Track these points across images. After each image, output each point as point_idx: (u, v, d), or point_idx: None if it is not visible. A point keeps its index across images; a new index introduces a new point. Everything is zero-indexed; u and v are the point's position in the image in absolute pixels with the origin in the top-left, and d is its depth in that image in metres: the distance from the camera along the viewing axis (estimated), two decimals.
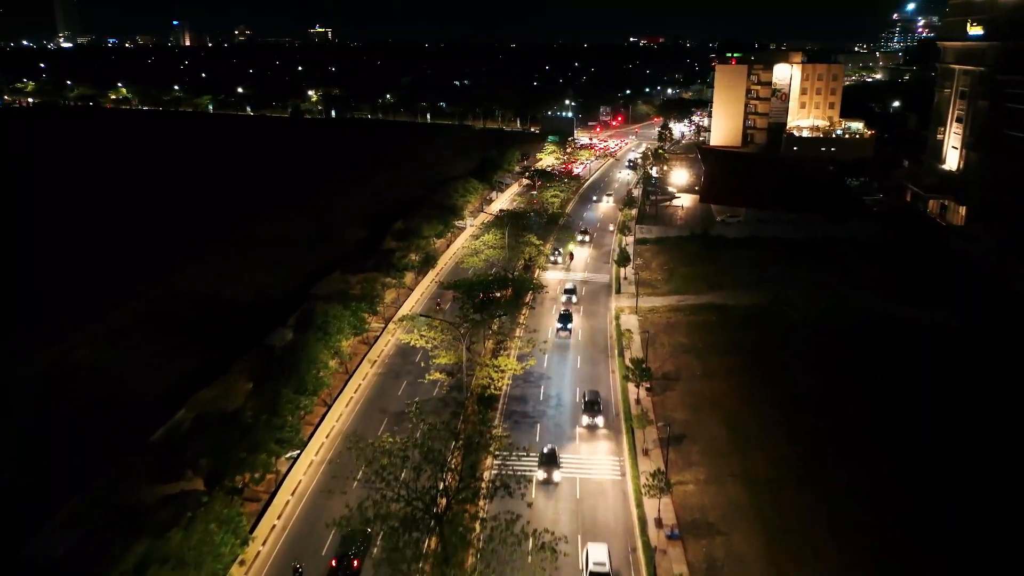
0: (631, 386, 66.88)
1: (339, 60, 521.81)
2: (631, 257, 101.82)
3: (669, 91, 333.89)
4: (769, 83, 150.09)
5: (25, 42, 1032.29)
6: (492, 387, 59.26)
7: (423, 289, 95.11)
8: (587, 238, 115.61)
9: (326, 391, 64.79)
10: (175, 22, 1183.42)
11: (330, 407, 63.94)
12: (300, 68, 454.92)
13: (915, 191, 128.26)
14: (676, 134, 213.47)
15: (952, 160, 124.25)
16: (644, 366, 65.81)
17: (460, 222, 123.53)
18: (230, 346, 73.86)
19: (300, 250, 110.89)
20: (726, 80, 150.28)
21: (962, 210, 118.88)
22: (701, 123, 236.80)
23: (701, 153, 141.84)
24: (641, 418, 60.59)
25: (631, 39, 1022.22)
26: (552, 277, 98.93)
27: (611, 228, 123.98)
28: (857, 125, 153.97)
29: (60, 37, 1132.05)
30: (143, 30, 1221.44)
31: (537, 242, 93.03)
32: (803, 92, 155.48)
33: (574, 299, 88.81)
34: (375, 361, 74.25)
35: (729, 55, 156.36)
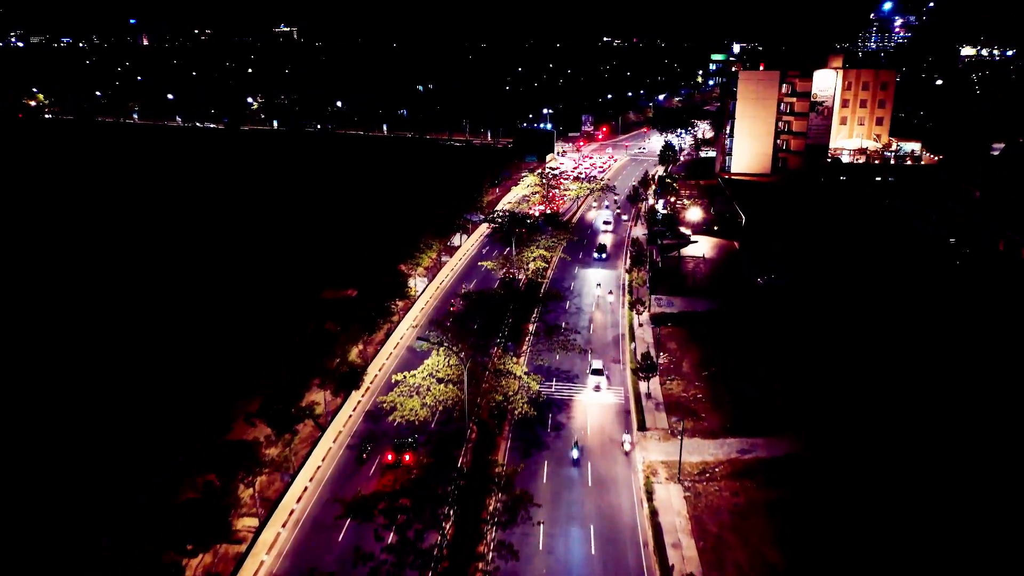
0: None
1: (296, 61, 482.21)
2: (656, 362, 68.42)
3: (661, 96, 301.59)
4: (808, 94, 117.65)
5: None
6: None
7: (334, 435, 60.52)
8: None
9: None
10: (132, 20, 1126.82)
11: None
12: (250, 70, 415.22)
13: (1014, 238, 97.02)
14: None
15: None
16: None
17: (409, 287, 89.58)
18: None
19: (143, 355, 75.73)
20: (752, 91, 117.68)
21: None
22: (701, 136, 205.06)
23: (729, 187, 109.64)
24: None
25: (605, 39, 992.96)
26: None
27: (614, 292, 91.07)
28: (913, 146, 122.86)
29: (12, 36, 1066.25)
30: (101, 29, 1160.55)
31: (516, 368, 58.53)
32: (843, 105, 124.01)
33: None
34: None
35: (755, 58, 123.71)
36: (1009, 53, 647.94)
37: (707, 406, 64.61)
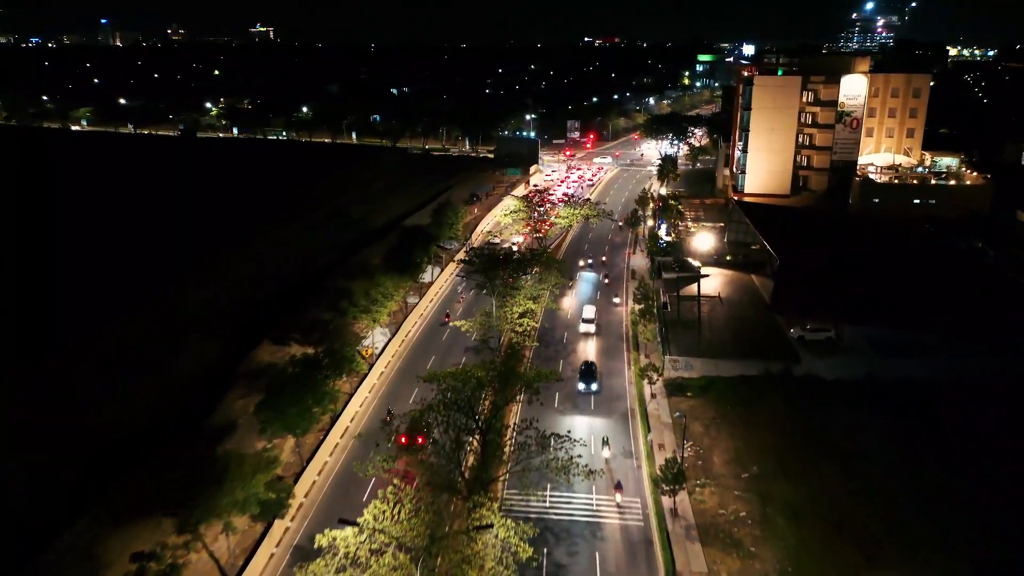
0: None
1: (266, 62, 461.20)
2: (682, 467, 51.44)
3: (651, 99, 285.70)
4: (834, 103, 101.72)
5: None
6: None
7: None
8: None
9: None
10: (103, 20, 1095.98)
11: None
12: (216, 72, 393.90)
13: None
14: (656, 156, 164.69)
15: None
16: None
17: (366, 347, 72.40)
18: None
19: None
20: (769, 99, 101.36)
21: None
22: (697, 143, 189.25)
23: (749, 214, 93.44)
24: None
25: (586, 39, 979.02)
26: None
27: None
28: (950, 161, 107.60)
29: None
30: (72, 30, 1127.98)
31: (497, 521, 40.23)
32: (870, 114, 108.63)
33: None
34: None
35: (773, 60, 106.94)
36: (990, 53, 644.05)
37: (755, 530, 48.03)
